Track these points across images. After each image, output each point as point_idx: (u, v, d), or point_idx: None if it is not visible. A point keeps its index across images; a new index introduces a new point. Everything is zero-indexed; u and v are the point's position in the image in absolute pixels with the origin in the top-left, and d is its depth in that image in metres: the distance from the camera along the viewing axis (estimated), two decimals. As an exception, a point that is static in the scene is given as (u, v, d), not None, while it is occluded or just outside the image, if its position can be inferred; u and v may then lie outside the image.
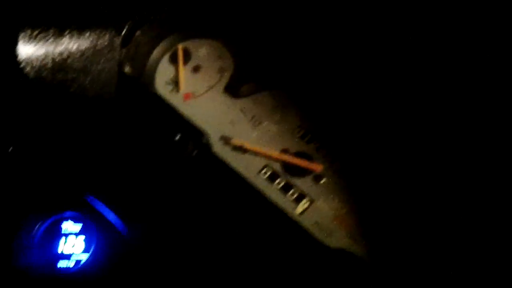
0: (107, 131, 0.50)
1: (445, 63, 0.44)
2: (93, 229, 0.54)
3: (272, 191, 0.48)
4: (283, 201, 0.48)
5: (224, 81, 0.53)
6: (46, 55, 0.48)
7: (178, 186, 0.49)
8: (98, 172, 0.51)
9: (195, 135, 0.50)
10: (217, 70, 0.54)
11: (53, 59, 0.48)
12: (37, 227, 0.54)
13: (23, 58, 0.47)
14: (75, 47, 0.50)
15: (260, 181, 0.49)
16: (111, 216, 0.51)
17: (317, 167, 0.48)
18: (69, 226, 0.55)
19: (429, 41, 0.45)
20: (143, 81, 0.53)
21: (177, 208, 0.49)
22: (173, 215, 0.49)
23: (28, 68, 0.48)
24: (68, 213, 0.54)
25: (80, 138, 0.51)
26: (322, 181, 0.48)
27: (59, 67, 0.49)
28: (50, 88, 0.48)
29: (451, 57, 0.44)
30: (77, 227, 0.54)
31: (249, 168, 0.50)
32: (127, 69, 0.52)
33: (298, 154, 0.49)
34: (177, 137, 0.49)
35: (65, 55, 0.49)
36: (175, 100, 0.53)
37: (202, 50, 0.56)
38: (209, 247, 0.47)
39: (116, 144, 0.50)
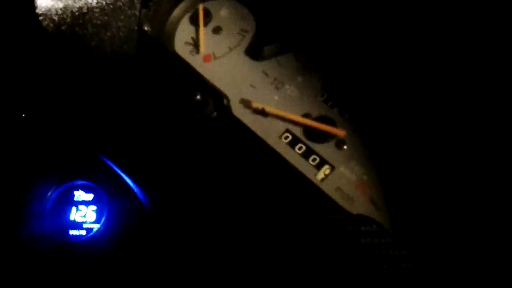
0: (124, 90, 0.49)
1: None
2: (105, 200, 0.53)
3: (293, 156, 0.47)
4: (304, 166, 0.47)
5: (246, 42, 0.52)
6: (65, 9, 0.47)
7: (197, 148, 0.48)
8: (113, 133, 0.50)
9: (215, 97, 0.49)
10: (238, 31, 0.53)
11: (73, 13, 0.47)
12: (49, 194, 0.54)
13: (42, 11, 0.46)
14: (94, 2, 0.48)
15: (280, 146, 0.48)
16: (127, 182, 0.51)
17: (341, 132, 0.47)
18: (81, 194, 0.54)
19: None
20: (162, 40, 0.52)
21: (194, 171, 0.48)
22: (190, 178, 0.48)
23: (47, 22, 0.47)
24: (80, 182, 0.54)
25: (96, 97, 0.50)
26: (344, 147, 0.47)
27: (78, 21, 0.47)
28: (68, 42, 0.47)
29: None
30: (89, 196, 0.54)
31: (270, 132, 0.48)
32: (146, 28, 0.51)
33: (320, 119, 0.48)
34: (197, 98, 0.48)
35: (84, 10, 0.48)
36: (194, 61, 0.52)
37: (223, 11, 0.54)
38: (227, 211, 0.46)
39: (133, 104, 0.49)
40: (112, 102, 0.49)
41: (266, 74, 0.50)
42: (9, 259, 0.50)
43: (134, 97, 0.49)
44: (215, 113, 0.48)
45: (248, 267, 0.45)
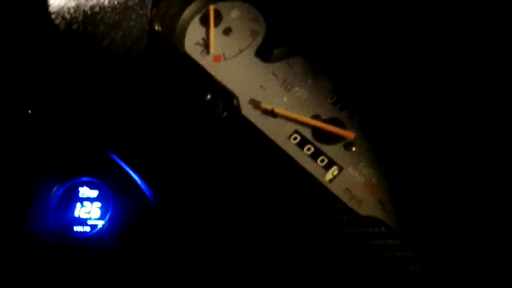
0: (134, 89, 0.50)
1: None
2: (110, 197, 0.53)
3: (302, 157, 0.47)
4: (312, 167, 0.47)
5: (256, 44, 0.52)
6: (77, 8, 0.47)
7: (206, 147, 0.48)
8: (123, 132, 0.50)
9: (224, 97, 0.49)
10: (249, 33, 0.53)
11: (85, 12, 0.48)
12: (54, 190, 0.54)
13: (55, 9, 0.47)
14: (106, 1, 0.49)
15: (289, 147, 0.48)
16: (134, 180, 0.51)
17: (350, 135, 0.47)
18: (86, 191, 0.54)
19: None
20: (173, 41, 0.53)
21: (202, 170, 0.48)
22: (197, 176, 0.48)
23: (59, 20, 0.47)
24: (85, 178, 0.54)
25: (105, 96, 0.50)
26: (353, 149, 0.47)
27: (90, 20, 0.48)
28: (80, 41, 0.47)
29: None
30: (94, 193, 0.54)
31: (279, 133, 0.49)
32: (157, 27, 0.51)
33: (329, 121, 0.48)
34: (207, 98, 0.48)
35: (96, 9, 0.48)
36: (204, 61, 0.52)
37: (234, 12, 0.54)
38: (234, 210, 0.47)
39: (143, 103, 0.50)
40: (122, 101, 0.49)
41: (276, 76, 0.51)
42: (14, 256, 0.50)
43: (144, 96, 0.49)
44: (224, 113, 0.48)
45: (253, 267, 0.45)
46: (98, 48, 0.48)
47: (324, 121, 0.48)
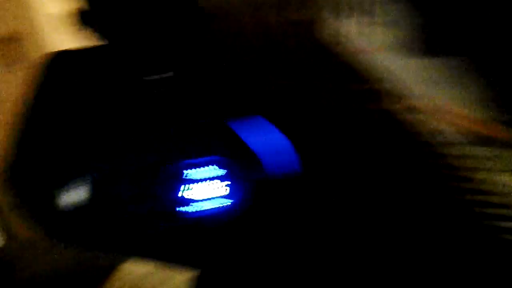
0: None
1: None
2: (238, 175, 0.51)
3: (447, 157, 0.46)
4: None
5: (407, 40, 0.51)
6: None
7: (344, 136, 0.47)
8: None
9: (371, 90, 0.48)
10: (407, 26, 0.52)
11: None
12: (182, 169, 0.52)
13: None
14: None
15: (435, 146, 0.47)
16: (265, 157, 0.49)
17: (505, 134, 0.44)
18: (214, 169, 0.52)
19: None
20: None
21: (340, 155, 0.47)
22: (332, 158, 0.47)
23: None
24: (213, 157, 0.52)
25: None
26: (506, 153, 0.45)
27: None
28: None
29: None
30: (222, 171, 0.52)
31: (423, 131, 0.47)
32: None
33: (481, 121, 0.46)
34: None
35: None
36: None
37: (394, 6, 0.53)
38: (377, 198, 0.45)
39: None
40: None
41: (424, 73, 0.50)
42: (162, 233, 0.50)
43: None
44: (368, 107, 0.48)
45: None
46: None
47: (477, 120, 0.47)
